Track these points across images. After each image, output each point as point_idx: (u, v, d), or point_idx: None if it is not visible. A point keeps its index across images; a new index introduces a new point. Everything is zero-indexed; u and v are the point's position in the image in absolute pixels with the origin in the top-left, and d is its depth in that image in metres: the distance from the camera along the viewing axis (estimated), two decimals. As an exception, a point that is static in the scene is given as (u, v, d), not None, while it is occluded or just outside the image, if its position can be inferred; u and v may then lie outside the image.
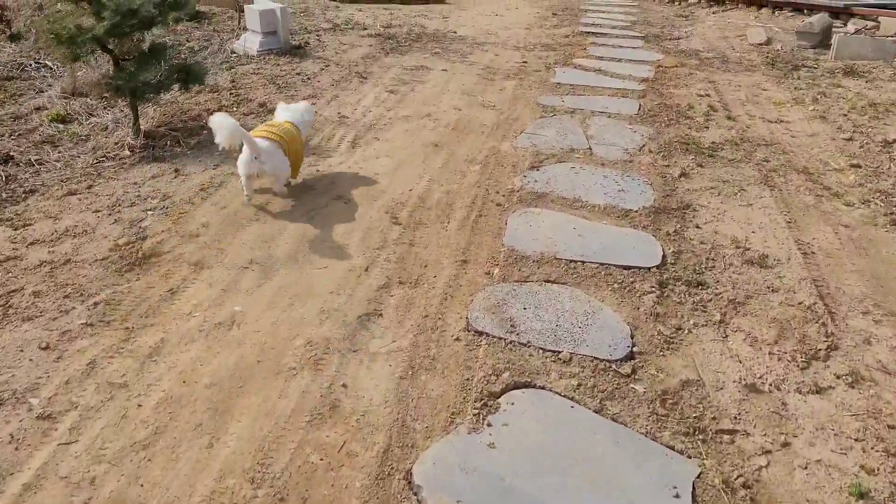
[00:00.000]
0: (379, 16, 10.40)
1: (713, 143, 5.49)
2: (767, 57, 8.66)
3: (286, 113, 4.45)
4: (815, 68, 7.97)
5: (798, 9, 11.81)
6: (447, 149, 5.17)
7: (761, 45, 9.62)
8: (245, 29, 7.74)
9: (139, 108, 5.01)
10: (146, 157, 4.80)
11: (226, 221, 4.01)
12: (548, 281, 3.47)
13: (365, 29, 9.02)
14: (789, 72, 7.90)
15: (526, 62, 7.90)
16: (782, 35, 10.07)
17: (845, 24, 10.56)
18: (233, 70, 6.82)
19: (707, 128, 5.86)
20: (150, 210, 4.08)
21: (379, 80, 6.80)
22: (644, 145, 5.35)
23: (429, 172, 4.77)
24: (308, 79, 6.64)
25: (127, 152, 4.77)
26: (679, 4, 13.53)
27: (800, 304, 3.40)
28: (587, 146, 5.26)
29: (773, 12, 11.98)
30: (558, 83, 6.95)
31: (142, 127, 4.98)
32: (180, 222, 3.97)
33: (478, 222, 4.08)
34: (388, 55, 7.84)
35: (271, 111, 5.24)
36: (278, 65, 7.10)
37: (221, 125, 3.77)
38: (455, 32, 9.48)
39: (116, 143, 4.86)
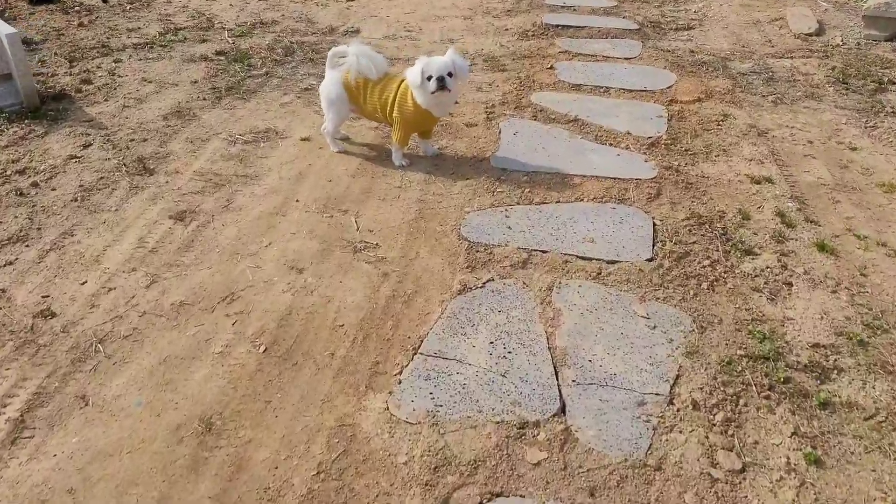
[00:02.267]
0: (248, 3, 7.11)
1: (813, 355, 2.60)
2: (828, 62, 5.70)
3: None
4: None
5: (844, -34, 8.66)
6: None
7: (810, 35, 6.59)
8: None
9: None
10: None
11: None
12: None
13: (204, 40, 5.78)
14: (873, 95, 4.96)
15: (455, 103, 4.81)
16: (834, 13, 7.01)
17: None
18: None
19: (787, 294, 2.97)
20: None
21: (170, 183, 3.71)
22: (672, 394, 2.42)
23: None
24: (22, 193, 3.54)
25: None
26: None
27: None
28: (554, 408, 2.33)
29: (809, -29, 8.80)
30: (503, 169, 3.94)
31: None
32: None
33: None
34: (220, 100, 4.72)
35: None
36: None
37: None
38: (355, 32, 6.29)
39: None
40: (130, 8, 6.73)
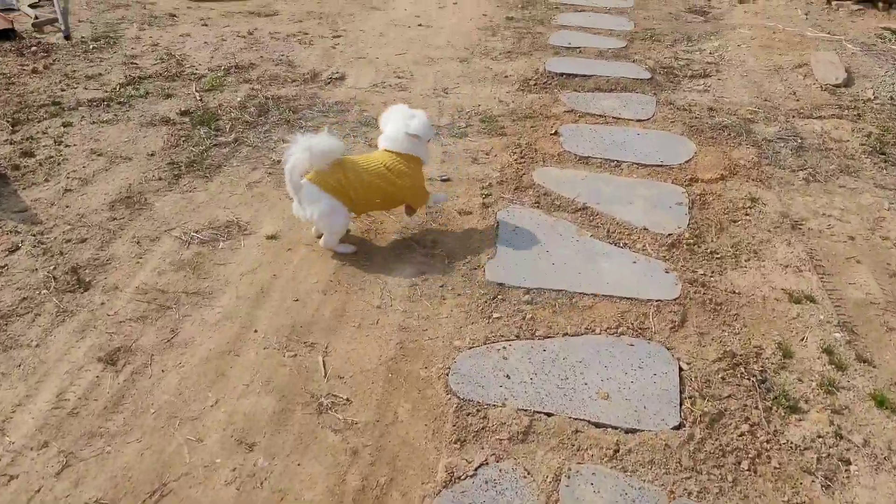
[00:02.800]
0: (225, 40, 6.52)
1: None
2: (861, 126, 5.16)
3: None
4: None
5: (868, 0, 8.14)
6: None
7: (839, 86, 6.04)
8: None
9: None
10: None
11: None
12: None
13: (169, 95, 5.20)
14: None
15: (449, 180, 4.27)
16: (862, 58, 6.46)
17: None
18: None
19: (845, 477, 2.59)
20: None
21: (107, 305, 3.15)
22: None
23: None
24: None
25: None
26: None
27: None
28: None
29: (830, 3, 8.29)
30: (500, 284, 3.39)
31: None
32: None
33: None
34: (179, 180, 4.20)
35: None
36: None
37: None
38: (340, 79, 5.71)
39: None
40: (94, 48, 6.13)
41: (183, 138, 4.57)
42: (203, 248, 3.53)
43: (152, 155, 4.35)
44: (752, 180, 4.46)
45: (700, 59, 6.74)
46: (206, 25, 7.13)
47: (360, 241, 3.66)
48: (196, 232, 3.63)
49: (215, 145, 4.52)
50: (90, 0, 7.75)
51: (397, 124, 3.41)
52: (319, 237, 3.48)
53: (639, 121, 5.16)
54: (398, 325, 3.11)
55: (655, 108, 5.39)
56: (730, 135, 5.05)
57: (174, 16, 7.38)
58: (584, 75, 6.01)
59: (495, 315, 3.17)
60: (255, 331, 3.03)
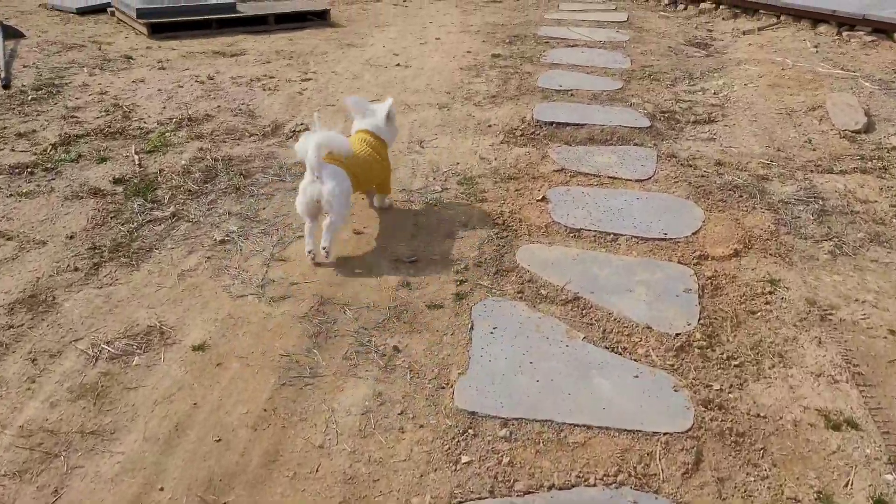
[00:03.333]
0: (182, 86, 5.96)
1: None
2: (889, 183, 4.60)
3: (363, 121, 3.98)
4: None
5: (881, 30, 7.61)
6: None
7: (858, 132, 5.49)
8: None
9: None
10: None
11: None
12: None
13: (104, 159, 4.64)
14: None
15: (417, 261, 3.68)
16: (881, 98, 5.92)
17: None
18: None
19: None
20: None
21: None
22: None
23: None
24: None
25: None
26: (689, 12, 9.21)
27: None
28: None
29: (840, 34, 7.75)
30: (472, 413, 2.86)
31: None
32: None
33: None
34: (98, 270, 3.66)
35: None
36: None
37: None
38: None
39: None
40: (34, 98, 5.57)
41: (112, 214, 3.98)
42: (113, 366, 2.92)
43: (71, 237, 3.76)
44: (771, 255, 3.87)
45: (703, 100, 6.19)
46: (164, 69, 6.58)
47: (309, 349, 3.05)
48: (107, 343, 3.02)
49: (149, 221, 3.93)
50: (42, 41, 7.22)
51: (377, 110, 3.98)
52: (313, 257, 3.64)
53: (638, 181, 4.58)
54: (343, 473, 2.50)
55: (656, 165, 4.81)
56: (741, 196, 4.47)
57: (130, 58, 6.83)
58: (577, 124, 5.44)
59: (465, 458, 2.56)
60: (161, 489, 2.41)
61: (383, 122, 3.95)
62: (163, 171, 4.46)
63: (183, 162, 4.57)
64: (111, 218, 3.95)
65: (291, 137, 5.18)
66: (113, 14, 8.46)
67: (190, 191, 4.26)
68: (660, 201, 4.33)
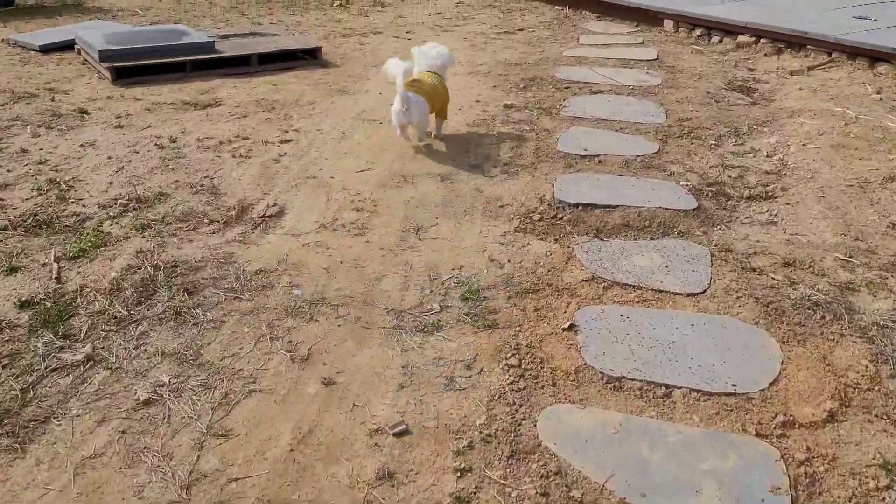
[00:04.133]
0: (138, 152, 5.08)
1: None
2: None
3: (425, 61, 5.25)
4: None
5: (956, 74, 6.62)
6: None
7: (954, 216, 4.52)
8: None
9: None
10: None
11: None
12: None
13: (14, 269, 3.77)
14: None
15: (407, 433, 2.74)
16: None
17: None
18: None
19: None
20: None
21: None
22: None
23: None
24: None
25: None
26: (724, 46, 8.26)
27: None
28: None
29: (905, 75, 6.75)
30: None
31: None
32: None
33: None
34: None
35: None
36: None
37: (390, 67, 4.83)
38: (276, 217, 4.29)
39: None
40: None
41: (6, 359, 3.05)
42: None
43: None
44: (877, 418, 2.91)
45: (756, 165, 5.24)
46: (122, 126, 5.70)
47: None
48: None
49: (54, 370, 3.02)
50: (-12, 90, 6.35)
51: (436, 55, 5.29)
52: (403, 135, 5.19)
53: (690, 295, 3.63)
54: None
55: (711, 270, 3.85)
56: (823, 318, 3.51)
57: (85, 112, 5.96)
58: (607, 206, 4.50)
59: None
60: None
61: (438, 64, 5.31)
62: (85, 287, 3.54)
63: (114, 273, 3.65)
64: (2, 367, 3.01)
65: (258, 227, 4.26)
66: (80, 52, 7.60)
67: (116, 318, 3.33)
68: (721, 329, 3.37)
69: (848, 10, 8.73)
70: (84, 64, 7.41)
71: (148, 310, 3.45)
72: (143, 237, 4.09)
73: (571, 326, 3.39)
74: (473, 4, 10.67)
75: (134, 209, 4.44)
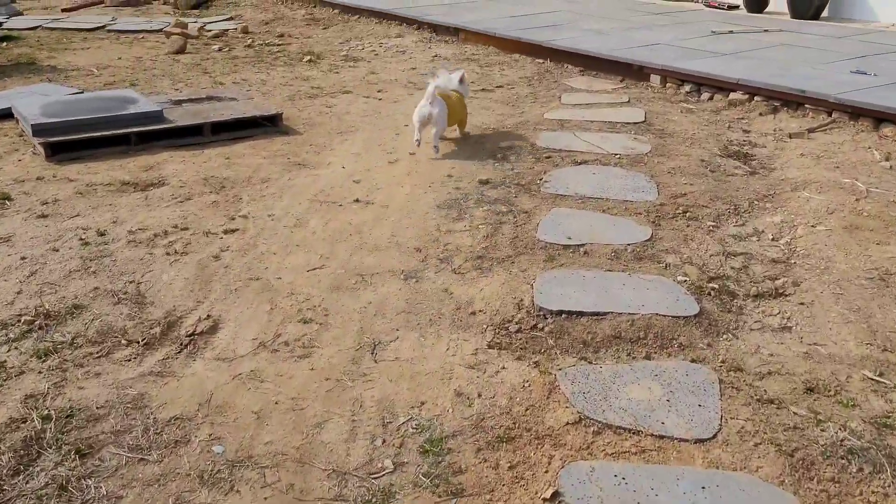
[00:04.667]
0: (58, 250, 4.46)
1: None
2: None
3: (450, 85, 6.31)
4: None
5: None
6: None
7: None
8: None
9: None
10: None
11: None
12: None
13: None
14: None
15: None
16: None
17: None
18: None
19: None
20: None
21: None
22: None
23: None
24: None
25: None
26: (716, 103, 7.76)
27: None
28: None
29: (913, 138, 6.25)
30: None
31: None
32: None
33: None
34: None
35: None
36: None
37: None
38: (208, 334, 3.70)
39: None
40: None
41: None
42: None
43: None
44: None
45: (761, 252, 4.68)
46: (45, 216, 5.07)
47: None
48: None
49: None
50: None
51: (453, 78, 6.43)
52: (418, 143, 6.19)
53: (698, 441, 2.99)
54: None
55: (720, 403, 3.22)
56: (861, 470, 2.88)
57: (7, 199, 5.34)
58: (596, 314, 3.88)
59: None
60: None
61: (458, 85, 6.41)
62: (-47, 451, 2.85)
63: (-7, 429, 2.97)
64: None
65: (184, 349, 3.61)
66: (18, 121, 7.00)
67: (-17, 498, 2.64)
68: (739, 493, 2.74)
69: (844, 63, 8.30)
70: (21, 136, 6.80)
71: (27, 482, 2.77)
72: (42, 370, 3.43)
73: (554, 496, 2.74)
74: (450, 58, 10.20)
75: (40, 328, 3.79)
